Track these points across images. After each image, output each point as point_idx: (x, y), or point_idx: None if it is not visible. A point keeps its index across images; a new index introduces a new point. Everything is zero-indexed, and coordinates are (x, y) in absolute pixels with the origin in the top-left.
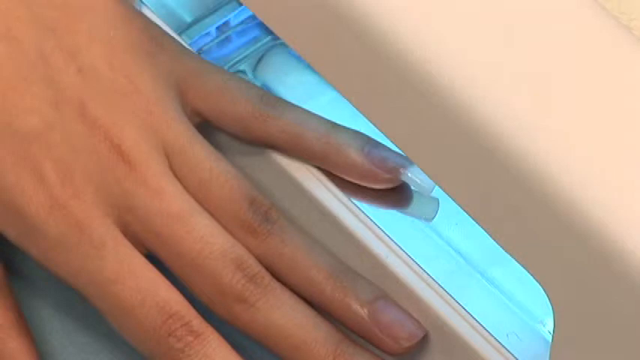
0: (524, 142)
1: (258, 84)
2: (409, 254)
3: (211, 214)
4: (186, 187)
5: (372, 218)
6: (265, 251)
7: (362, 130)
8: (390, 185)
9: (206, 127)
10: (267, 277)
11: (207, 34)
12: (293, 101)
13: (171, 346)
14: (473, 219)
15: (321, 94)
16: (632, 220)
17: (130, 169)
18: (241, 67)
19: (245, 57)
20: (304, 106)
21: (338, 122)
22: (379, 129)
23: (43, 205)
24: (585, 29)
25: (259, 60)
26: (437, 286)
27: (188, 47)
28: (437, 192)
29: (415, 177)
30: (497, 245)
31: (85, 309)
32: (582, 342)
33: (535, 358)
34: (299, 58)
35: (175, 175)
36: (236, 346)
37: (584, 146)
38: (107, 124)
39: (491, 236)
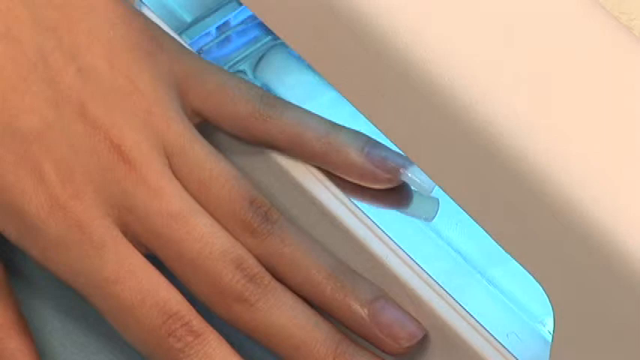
0: (524, 142)
1: (258, 84)
2: (409, 254)
3: (211, 214)
4: (186, 187)
5: (372, 218)
6: (265, 251)
7: (362, 130)
8: (390, 185)
9: (206, 127)
10: (267, 277)
11: (207, 34)
12: (293, 101)
13: (171, 346)
14: (473, 219)
15: (321, 94)
16: (632, 220)
17: (130, 169)
18: (241, 67)
19: (245, 57)
20: (304, 106)
21: (338, 122)
22: (379, 129)
23: (43, 205)
24: (585, 29)
25: (259, 60)
26: (437, 286)
27: (188, 47)
28: (437, 192)
29: (415, 177)
30: (497, 245)
31: (85, 309)
32: (582, 342)
33: (535, 358)
34: (299, 58)
35: (175, 175)
36: (236, 346)
37: (584, 146)
38: (107, 124)
39: (491, 236)
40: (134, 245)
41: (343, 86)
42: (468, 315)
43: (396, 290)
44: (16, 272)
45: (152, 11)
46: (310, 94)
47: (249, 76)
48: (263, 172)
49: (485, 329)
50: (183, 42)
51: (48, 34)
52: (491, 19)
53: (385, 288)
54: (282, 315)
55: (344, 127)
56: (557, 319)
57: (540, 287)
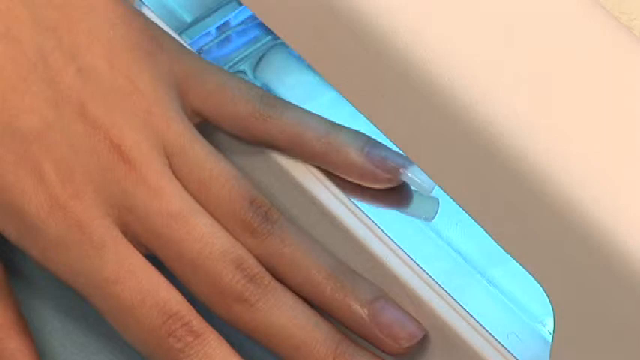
0: (524, 142)
1: (258, 84)
2: (409, 254)
3: (211, 214)
4: (186, 187)
5: (372, 218)
6: (265, 251)
7: (362, 130)
8: (389, 185)
9: (206, 127)
10: (267, 277)
11: (207, 34)
12: (293, 101)
13: (171, 346)
14: (473, 219)
15: (321, 94)
16: (632, 220)
17: (130, 169)
18: (241, 67)
19: (245, 57)
20: (304, 106)
21: (338, 122)
22: (379, 129)
23: (43, 205)
24: (585, 29)
25: (259, 60)
26: (437, 286)
27: (188, 47)
28: (437, 192)
29: (415, 177)
30: (497, 245)
31: (85, 309)
32: (582, 342)
33: (535, 358)
34: (299, 58)
35: (175, 176)
36: (236, 346)
37: (584, 146)
38: (107, 124)
39: (491, 236)
40: (134, 245)
41: (343, 86)
42: (468, 315)
43: (396, 290)
44: (16, 272)
45: (152, 11)
46: (310, 94)
47: (249, 76)
48: (263, 172)
49: (486, 329)
50: (183, 42)
51: (48, 34)
52: (492, 19)
53: (385, 288)
54: (282, 315)
55: (344, 127)
56: (557, 319)
57: (540, 287)
